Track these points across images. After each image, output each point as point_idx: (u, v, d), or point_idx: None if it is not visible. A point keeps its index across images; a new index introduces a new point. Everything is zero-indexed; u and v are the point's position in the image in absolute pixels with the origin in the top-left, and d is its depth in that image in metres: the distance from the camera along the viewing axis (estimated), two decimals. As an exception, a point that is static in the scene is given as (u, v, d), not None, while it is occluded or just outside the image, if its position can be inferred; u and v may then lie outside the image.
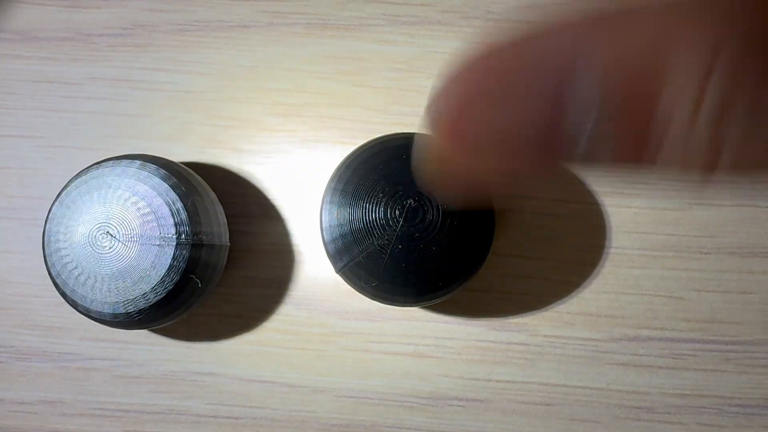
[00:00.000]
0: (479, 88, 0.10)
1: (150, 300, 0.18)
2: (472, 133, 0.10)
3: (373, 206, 0.18)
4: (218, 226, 0.20)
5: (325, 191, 0.19)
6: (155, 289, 0.18)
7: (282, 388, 0.21)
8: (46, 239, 0.19)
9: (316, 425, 0.21)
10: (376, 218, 0.18)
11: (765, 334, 0.21)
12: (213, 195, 0.20)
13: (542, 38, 0.10)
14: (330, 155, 0.22)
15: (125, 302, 0.18)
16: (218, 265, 0.20)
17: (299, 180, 0.21)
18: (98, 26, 0.22)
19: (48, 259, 0.19)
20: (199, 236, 0.19)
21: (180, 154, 0.22)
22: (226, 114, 0.22)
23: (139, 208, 0.18)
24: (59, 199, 0.19)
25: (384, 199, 0.18)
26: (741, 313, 0.21)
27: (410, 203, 0.18)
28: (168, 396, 0.21)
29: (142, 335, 0.21)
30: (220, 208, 0.20)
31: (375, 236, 0.18)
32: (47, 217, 0.19)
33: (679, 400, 0.21)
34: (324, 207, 0.18)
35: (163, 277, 0.18)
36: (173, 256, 0.18)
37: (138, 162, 0.19)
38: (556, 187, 0.21)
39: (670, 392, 0.21)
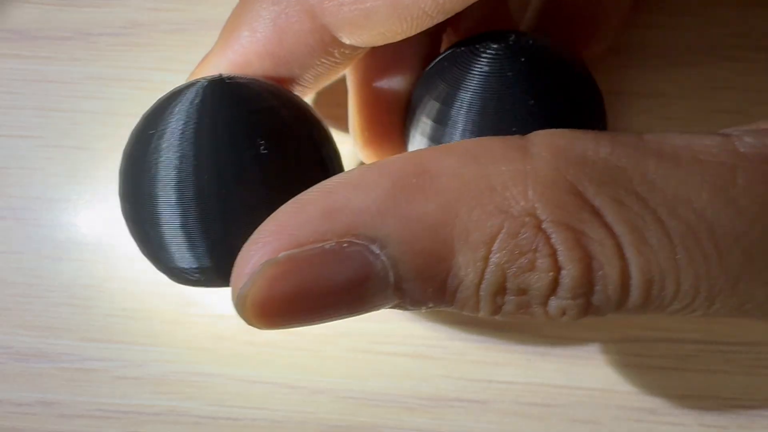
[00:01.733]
0: (286, 287, 0.11)
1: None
2: (282, 315, 0.11)
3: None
4: None
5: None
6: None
7: (282, 389, 0.21)
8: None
9: (317, 426, 0.21)
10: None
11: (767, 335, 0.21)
12: None
13: (332, 218, 0.11)
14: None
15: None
16: None
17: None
18: (98, 25, 0.22)
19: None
20: None
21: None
22: (226, 114, 0.22)
23: None
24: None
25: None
26: (743, 314, 0.21)
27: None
28: (167, 397, 0.21)
29: (141, 336, 0.21)
30: None
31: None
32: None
33: (681, 401, 0.21)
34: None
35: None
36: None
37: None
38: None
39: (672, 393, 0.21)
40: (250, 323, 0.11)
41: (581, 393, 0.21)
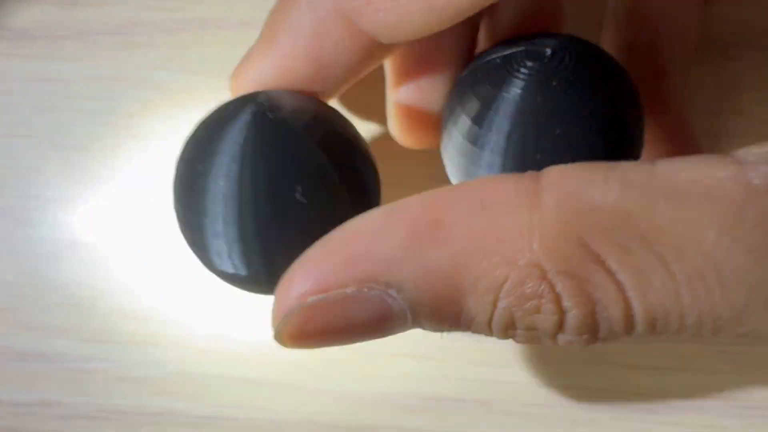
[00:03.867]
0: (316, 322, 0.13)
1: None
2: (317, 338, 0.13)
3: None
4: None
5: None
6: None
7: (282, 389, 0.21)
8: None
9: (317, 426, 0.21)
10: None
11: None
12: None
13: (357, 261, 0.13)
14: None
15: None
16: None
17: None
18: (97, 25, 0.22)
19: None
20: None
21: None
22: (226, 113, 0.22)
23: None
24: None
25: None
26: (743, 314, 0.21)
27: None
28: (167, 397, 0.21)
29: (141, 336, 0.21)
30: None
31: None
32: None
33: (682, 401, 0.21)
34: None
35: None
36: None
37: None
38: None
39: (673, 393, 0.21)
40: (285, 347, 0.14)
41: (581, 393, 0.21)
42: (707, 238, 0.12)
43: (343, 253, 0.13)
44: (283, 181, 0.14)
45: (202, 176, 0.14)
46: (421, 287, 0.12)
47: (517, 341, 0.13)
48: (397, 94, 0.18)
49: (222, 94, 0.22)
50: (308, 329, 0.13)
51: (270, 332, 0.14)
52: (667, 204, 0.12)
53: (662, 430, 0.21)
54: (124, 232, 0.22)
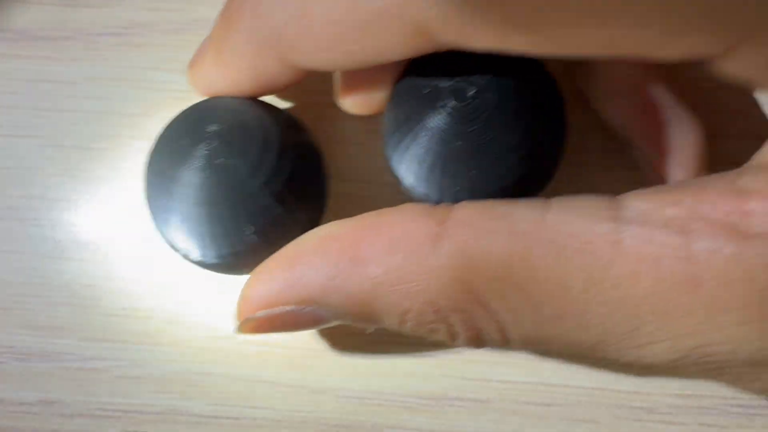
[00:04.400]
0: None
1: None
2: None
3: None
4: None
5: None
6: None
7: (282, 388, 0.21)
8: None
9: (317, 425, 0.21)
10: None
11: (766, 334, 0.21)
12: None
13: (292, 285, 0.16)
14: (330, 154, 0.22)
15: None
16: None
17: (299, 180, 0.21)
18: (98, 25, 0.22)
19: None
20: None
21: (180, 153, 0.21)
22: (226, 113, 0.22)
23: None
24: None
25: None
26: (742, 313, 0.21)
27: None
28: (168, 396, 0.21)
29: (142, 335, 0.21)
30: None
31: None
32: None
33: (680, 400, 0.21)
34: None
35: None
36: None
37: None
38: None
39: (671, 392, 0.21)
40: (245, 335, 0.18)
41: (581, 392, 0.21)
42: (574, 288, 0.14)
43: (283, 279, 0.16)
44: (234, 222, 0.17)
45: (171, 185, 0.17)
46: (345, 308, 0.16)
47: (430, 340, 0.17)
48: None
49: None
50: (261, 329, 0.17)
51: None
52: (546, 255, 0.14)
53: (662, 429, 0.21)
54: (124, 232, 0.22)
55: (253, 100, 0.18)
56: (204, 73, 0.18)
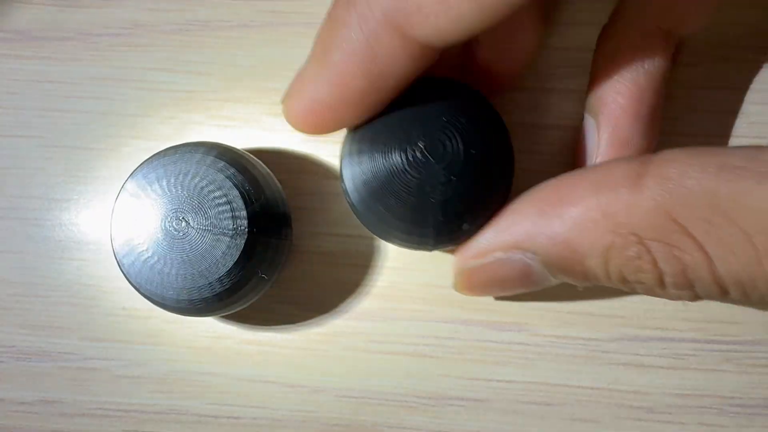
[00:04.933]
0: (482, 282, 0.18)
1: (215, 290, 0.18)
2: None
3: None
4: (285, 221, 0.20)
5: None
6: (221, 280, 0.18)
7: (282, 388, 0.21)
8: (116, 244, 0.18)
9: (317, 425, 0.21)
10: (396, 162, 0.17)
11: (766, 333, 0.21)
12: (279, 186, 0.20)
13: (503, 236, 0.17)
14: (330, 154, 0.22)
15: (189, 289, 0.18)
16: (282, 260, 0.20)
17: (299, 180, 0.21)
18: (98, 26, 0.22)
19: (115, 241, 0.18)
20: (269, 231, 0.19)
21: (180, 153, 0.21)
22: (226, 114, 0.22)
23: (215, 197, 0.18)
24: (130, 181, 0.19)
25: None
26: (742, 313, 0.21)
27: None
28: (168, 396, 0.21)
29: (142, 335, 0.21)
30: (284, 204, 0.20)
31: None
32: (116, 202, 0.19)
33: (680, 400, 0.21)
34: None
35: (230, 269, 0.18)
36: (243, 249, 0.18)
37: (215, 151, 0.19)
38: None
39: (671, 392, 0.21)
40: (462, 294, 0.19)
41: (581, 392, 0.21)
42: None
43: (492, 229, 0.17)
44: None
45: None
46: (550, 253, 0.16)
47: (638, 291, 0.16)
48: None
49: (221, 95, 0.22)
50: (474, 282, 0.18)
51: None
52: (758, 186, 0.13)
53: (662, 429, 0.21)
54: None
55: None
56: (306, 90, 0.17)
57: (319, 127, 0.17)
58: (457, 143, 0.17)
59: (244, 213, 0.18)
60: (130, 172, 0.19)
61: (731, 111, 0.21)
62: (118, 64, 0.22)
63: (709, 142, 0.21)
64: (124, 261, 0.18)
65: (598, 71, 0.19)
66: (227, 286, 0.18)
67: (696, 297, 0.15)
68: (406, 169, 0.17)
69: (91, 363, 0.21)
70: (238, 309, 0.19)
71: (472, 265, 0.18)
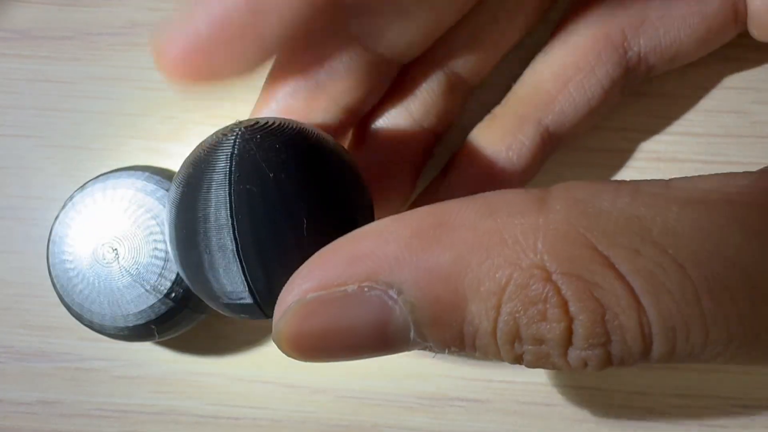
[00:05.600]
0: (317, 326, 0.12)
1: (130, 322, 0.19)
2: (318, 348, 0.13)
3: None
4: None
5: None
6: (128, 319, 0.19)
7: (282, 389, 0.21)
8: (51, 246, 0.19)
9: (317, 425, 0.21)
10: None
11: (767, 334, 0.21)
12: None
13: (357, 262, 0.12)
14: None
15: (114, 317, 0.19)
16: (187, 325, 0.20)
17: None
18: (97, 25, 0.22)
19: (51, 266, 0.19)
20: (187, 302, 0.19)
21: (179, 153, 0.21)
22: (225, 113, 0.22)
23: (148, 226, 0.18)
24: (67, 206, 0.19)
25: None
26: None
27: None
28: (167, 396, 0.21)
29: (142, 335, 0.21)
30: None
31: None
32: (54, 223, 0.19)
33: (681, 400, 0.21)
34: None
35: (136, 314, 0.19)
36: (150, 305, 0.18)
37: (157, 178, 0.19)
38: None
39: (672, 392, 0.21)
40: (286, 354, 0.13)
41: (581, 393, 0.21)
42: (730, 243, 0.11)
43: (346, 252, 0.12)
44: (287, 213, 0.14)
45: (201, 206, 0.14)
46: (422, 288, 0.12)
47: (526, 363, 0.12)
48: None
49: (221, 93, 0.22)
50: (305, 330, 0.12)
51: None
52: (682, 210, 0.11)
53: (662, 429, 0.21)
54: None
55: None
56: (182, 28, 0.15)
57: (196, 73, 0.15)
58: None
59: (172, 276, 0.18)
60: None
61: (732, 111, 0.21)
62: (118, 64, 0.22)
63: (710, 142, 0.21)
64: (56, 282, 0.19)
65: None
66: (140, 323, 0.19)
67: (605, 362, 0.12)
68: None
69: (89, 363, 0.21)
70: (163, 338, 0.20)
71: (307, 299, 0.12)
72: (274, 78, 0.17)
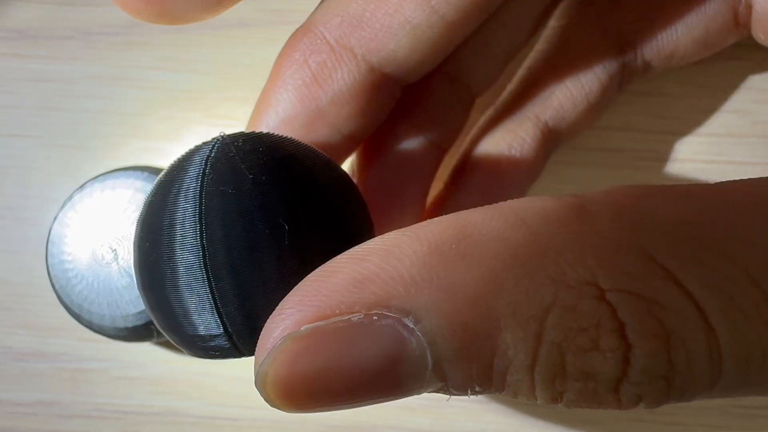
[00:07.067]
0: (316, 352, 0.10)
1: (129, 323, 0.19)
2: (307, 392, 0.10)
3: None
4: None
5: None
6: (127, 319, 0.19)
7: (281, 389, 0.21)
8: (49, 246, 0.19)
9: (317, 426, 0.21)
10: None
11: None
12: None
13: (371, 288, 0.10)
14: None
15: (113, 317, 0.19)
16: None
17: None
18: (97, 25, 0.22)
19: (50, 266, 0.19)
20: None
21: (178, 153, 0.21)
22: (225, 113, 0.22)
23: None
24: (66, 206, 0.19)
25: None
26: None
27: None
28: (166, 397, 0.21)
29: (141, 336, 0.21)
30: None
31: None
32: (52, 224, 0.19)
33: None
34: None
35: (135, 315, 0.19)
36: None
37: (156, 178, 0.19)
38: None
39: (673, 393, 0.21)
40: (272, 404, 0.10)
41: (581, 393, 0.21)
42: None
43: (348, 274, 0.10)
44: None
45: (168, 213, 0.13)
46: (445, 314, 0.09)
47: (566, 402, 0.10)
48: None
49: (220, 94, 0.22)
50: (299, 372, 0.10)
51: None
52: (744, 214, 0.10)
53: (662, 429, 0.21)
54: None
55: None
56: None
57: (153, 10, 0.14)
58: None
59: None
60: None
61: (734, 110, 0.21)
62: (117, 63, 0.22)
63: (711, 142, 0.21)
64: (56, 282, 0.19)
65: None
66: (139, 323, 0.19)
67: (663, 397, 0.10)
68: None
69: (88, 364, 0.21)
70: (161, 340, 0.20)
71: (301, 333, 0.10)
72: (266, 99, 0.16)
